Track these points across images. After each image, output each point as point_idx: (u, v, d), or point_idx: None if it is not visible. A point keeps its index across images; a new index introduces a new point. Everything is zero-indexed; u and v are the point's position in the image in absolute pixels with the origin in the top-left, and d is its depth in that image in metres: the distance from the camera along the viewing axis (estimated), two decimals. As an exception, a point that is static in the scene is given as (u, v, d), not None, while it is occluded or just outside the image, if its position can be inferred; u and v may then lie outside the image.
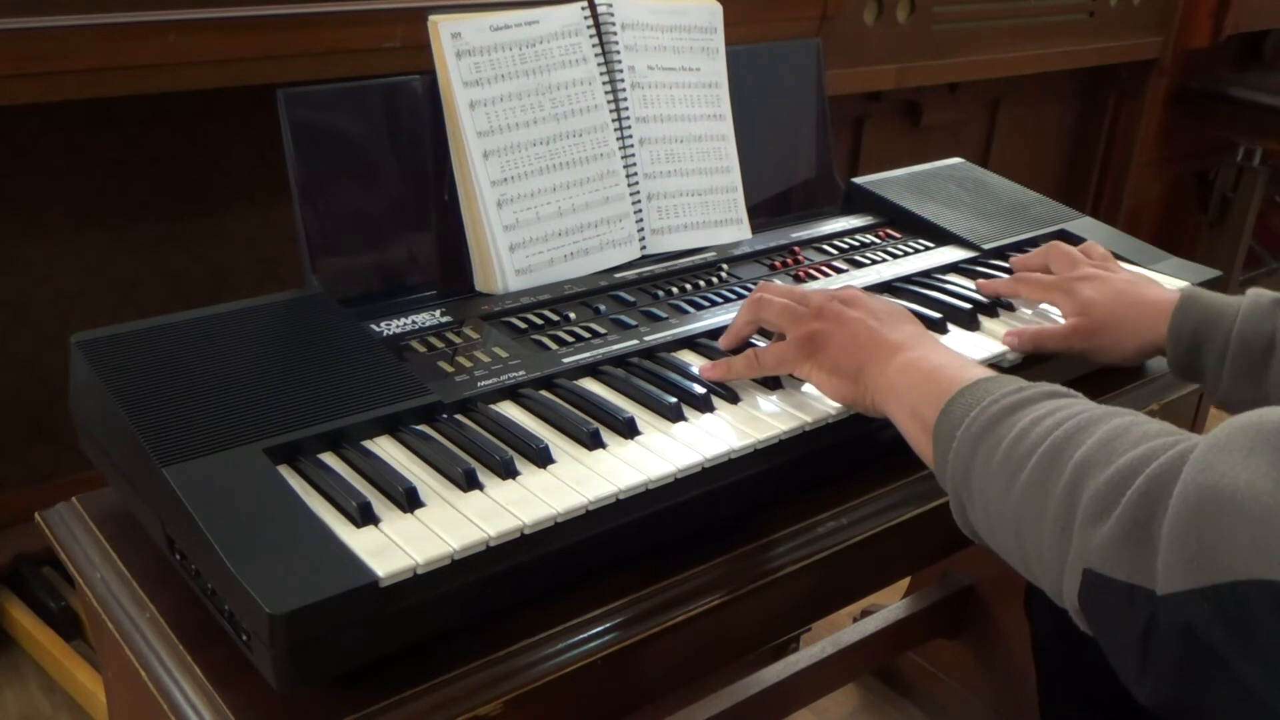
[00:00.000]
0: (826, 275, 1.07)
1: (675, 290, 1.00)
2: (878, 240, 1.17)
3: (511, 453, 0.73)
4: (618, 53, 1.04)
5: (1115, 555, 0.56)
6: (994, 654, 1.48)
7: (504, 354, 0.86)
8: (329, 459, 0.73)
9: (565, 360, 0.86)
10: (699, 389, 0.83)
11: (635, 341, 0.90)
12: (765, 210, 1.18)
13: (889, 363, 0.78)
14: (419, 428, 0.77)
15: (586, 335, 0.90)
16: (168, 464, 0.67)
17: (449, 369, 0.83)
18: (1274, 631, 0.50)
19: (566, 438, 0.77)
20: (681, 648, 0.75)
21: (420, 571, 0.63)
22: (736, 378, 0.85)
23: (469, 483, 0.70)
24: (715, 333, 0.92)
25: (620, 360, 0.87)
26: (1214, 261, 1.32)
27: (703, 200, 1.10)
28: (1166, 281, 1.06)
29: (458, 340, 0.88)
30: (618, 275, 1.02)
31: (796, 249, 1.12)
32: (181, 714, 0.65)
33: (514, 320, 0.92)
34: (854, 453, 0.85)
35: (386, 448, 0.75)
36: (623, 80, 1.05)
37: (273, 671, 0.61)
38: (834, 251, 1.13)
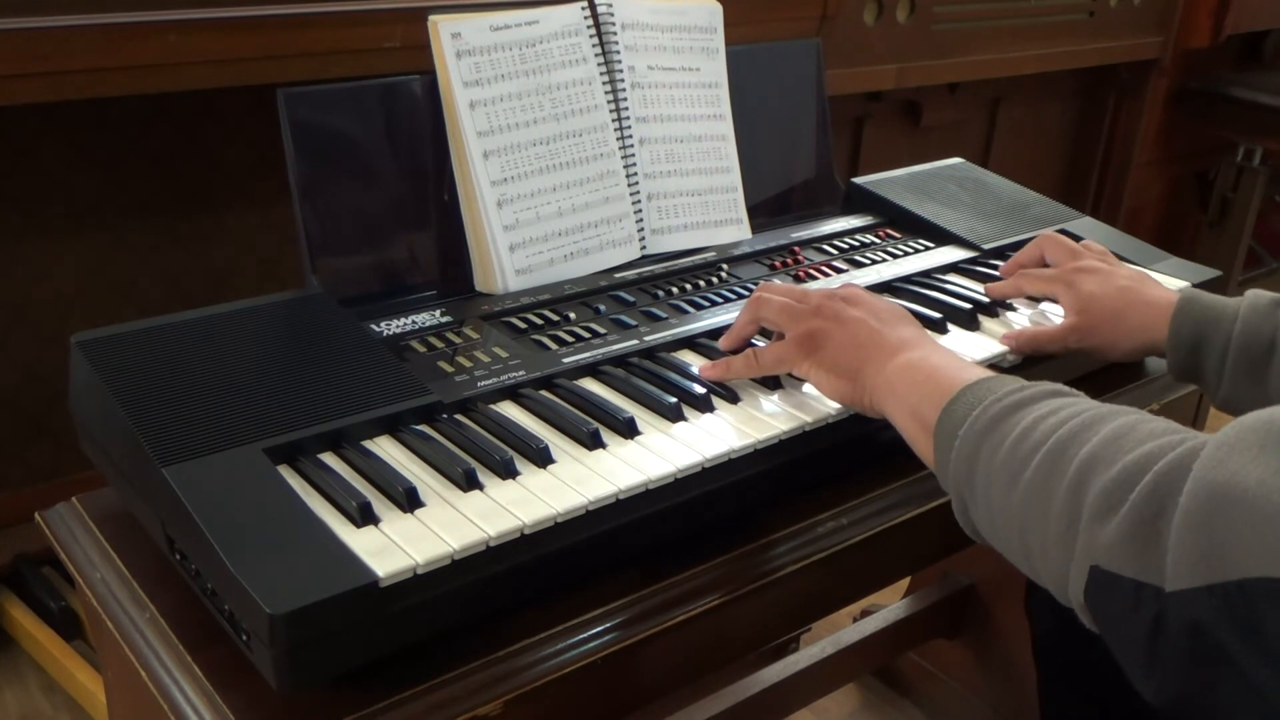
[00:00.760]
0: (826, 275, 1.07)
1: (675, 290, 1.00)
2: (878, 240, 1.16)
3: (511, 453, 0.73)
4: (618, 53, 1.04)
5: (1123, 552, 0.56)
6: (994, 654, 1.48)
7: (504, 354, 0.86)
8: (329, 459, 0.73)
9: (565, 360, 0.86)
10: (699, 389, 0.83)
11: (635, 341, 0.90)
12: (765, 210, 1.18)
13: (889, 363, 0.77)
14: (419, 428, 0.77)
15: (586, 335, 0.90)
16: (168, 464, 0.67)
17: (449, 369, 0.83)
18: None
19: (566, 438, 0.77)
20: (681, 648, 0.75)
21: (420, 571, 0.63)
22: (736, 377, 0.85)
23: (469, 483, 0.70)
24: (715, 333, 0.92)
25: (620, 360, 0.87)
26: (1214, 261, 1.32)
27: (703, 200, 1.10)
28: (1166, 281, 1.05)
29: (458, 340, 0.88)
30: (618, 275, 1.02)
31: (796, 249, 1.12)
32: (181, 714, 0.65)
33: (514, 320, 0.92)
34: (854, 453, 0.85)
35: (386, 448, 0.75)
36: (623, 80, 1.05)
37: (273, 671, 0.61)
38: (834, 251, 1.13)
